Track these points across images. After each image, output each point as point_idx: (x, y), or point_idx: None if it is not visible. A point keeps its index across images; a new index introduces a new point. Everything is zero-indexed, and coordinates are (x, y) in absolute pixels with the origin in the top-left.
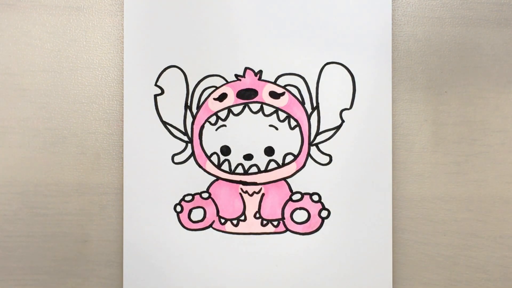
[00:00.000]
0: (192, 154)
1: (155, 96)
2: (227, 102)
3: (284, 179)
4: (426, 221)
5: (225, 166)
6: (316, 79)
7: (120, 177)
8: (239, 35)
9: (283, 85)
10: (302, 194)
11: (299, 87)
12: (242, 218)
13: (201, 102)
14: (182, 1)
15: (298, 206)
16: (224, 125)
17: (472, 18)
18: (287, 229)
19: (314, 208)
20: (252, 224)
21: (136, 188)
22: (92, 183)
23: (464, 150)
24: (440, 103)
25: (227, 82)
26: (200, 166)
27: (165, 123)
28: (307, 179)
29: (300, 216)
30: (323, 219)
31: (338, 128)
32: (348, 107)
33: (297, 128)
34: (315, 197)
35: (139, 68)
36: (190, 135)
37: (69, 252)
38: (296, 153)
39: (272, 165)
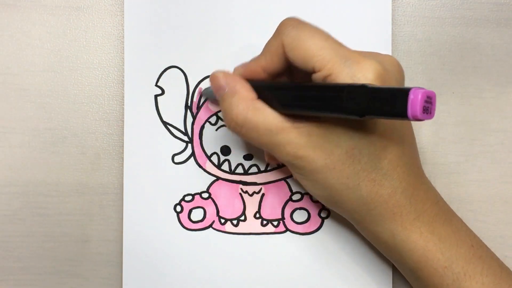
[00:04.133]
0: (192, 154)
1: (156, 96)
2: None
3: (284, 179)
4: None
5: (225, 166)
6: None
7: (120, 177)
8: (239, 35)
9: None
10: (302, 194)
11: None
12: (242, 218)
13: (201, 102)
14: (183, 1)
15: (298, 206)
16: (224, 125)
17: (472, 18)
18: (287, 229)
19: (314, 208)
20: (252, 224)
21: (136, 188)
22: (92, 183)
23: (464, 150)
24: (440, 103)
25: None
26: (200, 166)
27: (165, 123)
28: None
29: (300, 216)
30: (323, 219)
31: None
32: None
33: None
34: None
35: (140, 68)
36: (190, 135)
37: (69, 252)
38: None
39: (272, 165)
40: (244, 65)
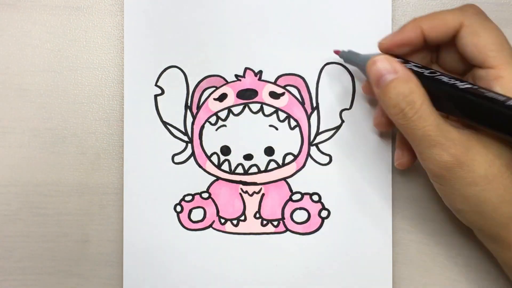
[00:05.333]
0: (192, 154)
1: (155, 96)
2: (227, 102)
3: (284, 179)
4: (426, 221)
5: (225, 166)
6: (316, 79)
7: (120, 177)
8: (239, 35)
9: (283, 85)
10: (302, 194)
11: (299, 87)
12: (242, 218)
13: (201, 102)
14: (182, 1)
15: (298, 206)
16: (224, 125)
17: None
18: (287, 229)
19: (314, 208)
20: (252, 224)
21: (136, 188)
22: (92, 183)
23: None
24: None
25: (227, 82)
26: (200, 166)
27: (165, 123)
28: (307, 179)
29: (300, 216)
30: (323, 219)
31: (338, 128)
32: (348, 107)
33: (297, 128)
34: (315, 197)
35: (139, 68)
36: (190, 135)
37: (69, 252)
38: (296, 153)
39: (272, 165)
40: (395, 32)
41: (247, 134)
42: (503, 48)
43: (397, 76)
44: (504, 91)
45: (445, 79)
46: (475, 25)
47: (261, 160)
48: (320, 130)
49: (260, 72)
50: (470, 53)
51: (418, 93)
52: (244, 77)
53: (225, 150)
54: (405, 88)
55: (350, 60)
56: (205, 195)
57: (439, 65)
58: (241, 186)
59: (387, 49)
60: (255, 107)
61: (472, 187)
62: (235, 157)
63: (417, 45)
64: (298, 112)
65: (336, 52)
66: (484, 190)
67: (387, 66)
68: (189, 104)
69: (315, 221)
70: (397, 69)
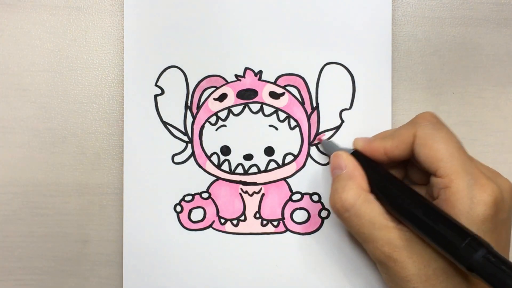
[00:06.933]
0: (192, 154)
1: (155, 96)
2: (227, 102)
3: (284, 179)
4: None
5: (225, 166)
6: (316, 79)
7: (120, 177)
8: (239, 35)
9: (283, 85)
10: (302, 194)
11: (299, 87)
12: (242, 218)
13: (201, 102)
14: (182, 1)
15: (298, 206)
16: (224, 125)
17: (472, 18)
18: (287, 229)
19: (314, 208)
20: (252, 224)
21: (136, 188)
22: (92, 183)
23: None
24: (440, 103)
25: (227, 82)
26: (200, 166)
27: (165, 123)
28: (307, 179)
29: (300, 216)
30: (323, 219)
31: (338, 128)
32: (348, 107)
33: (297, 128)
34: (315, 197)
35: (139, 68)
36: (190, 135)
37: (69, 252)
38: (296, 153)
39: (272, 165)
40: (366, 140)
41: (247, 134)
42: (454, 157)
43: (340, 173)
44: (446, 202)
45: (408, 192)
46: (426, 136)
47: (261, 160)
48: (320, 130)
49: (260, 72)
50: (424, 164)
51: (355, 191)
52: (244, 77)
53: (225, 150)
54: (339, 184)
55: (328, 149)
56: (205, 195)
57: (408, 177)
58: (241, 186)
59: (361, 150)
60: (255, 107)
61: (405, 282)
62: (235, 157)
63: (387, 160)
64: (298, 112)
65: (318, 139)
66: (417, 287)
67: (338, 162)
68: (189, 104)
69: (315, 221)
70: (343, 166)
